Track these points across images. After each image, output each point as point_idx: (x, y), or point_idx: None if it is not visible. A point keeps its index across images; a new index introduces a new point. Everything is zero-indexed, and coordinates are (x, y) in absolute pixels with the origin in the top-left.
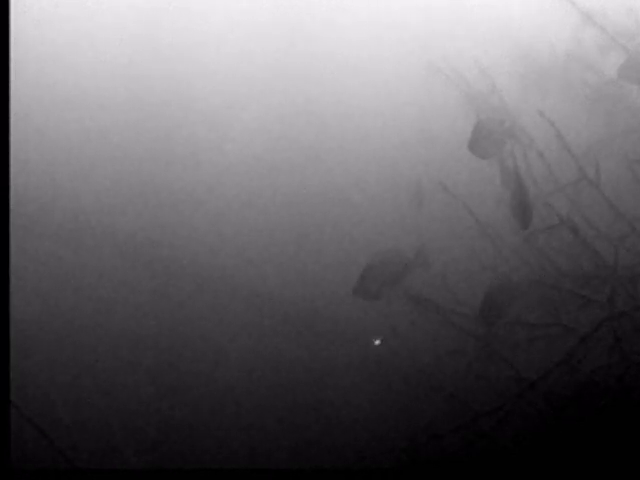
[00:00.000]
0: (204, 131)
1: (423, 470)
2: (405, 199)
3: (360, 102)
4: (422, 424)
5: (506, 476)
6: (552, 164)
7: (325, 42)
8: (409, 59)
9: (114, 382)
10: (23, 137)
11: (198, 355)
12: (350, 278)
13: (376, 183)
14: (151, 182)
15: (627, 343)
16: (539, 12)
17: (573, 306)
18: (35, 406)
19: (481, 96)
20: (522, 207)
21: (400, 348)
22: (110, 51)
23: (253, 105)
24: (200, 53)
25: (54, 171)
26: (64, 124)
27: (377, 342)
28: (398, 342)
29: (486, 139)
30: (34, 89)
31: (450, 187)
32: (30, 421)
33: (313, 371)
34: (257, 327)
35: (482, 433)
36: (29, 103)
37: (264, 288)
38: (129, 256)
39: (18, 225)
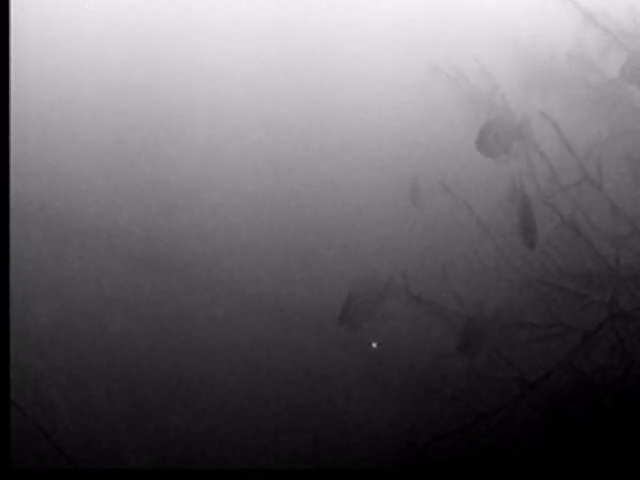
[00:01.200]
0: (204, 132)
1: (425, 471)
2: (407, 199)
3: (361, 102)
4: (423, 425)
5: (508, 476)
6: (554, 164)
7: (325, 42)
8: (410, 59)
9: (114, 382)
10: (23, 137)
11: (198, 356)
12: (350, 277)
13: (376, 183)
14: (151, 182)
15: (629, 343)
16: (540, 12)
17: (575, 306)
18: (35, 406)
19: (482, 96)
20: (528, 226)
21: (400, 348)
22: (110, 51)
23: (253, 106)
24: (200, 53)
25: (54, 171)
26: (64, 124)
27: (374, 345)
28: (398, 342)
29: (494, 138)
30: (34, 89)
31: (451, 187)
32: (31, 421)
33: (314, 372)
34: (257, 328)
35: (484, 433)
36: (29, 103)
37: (265, 289)
38: (129, 256)
39: (18, 225)
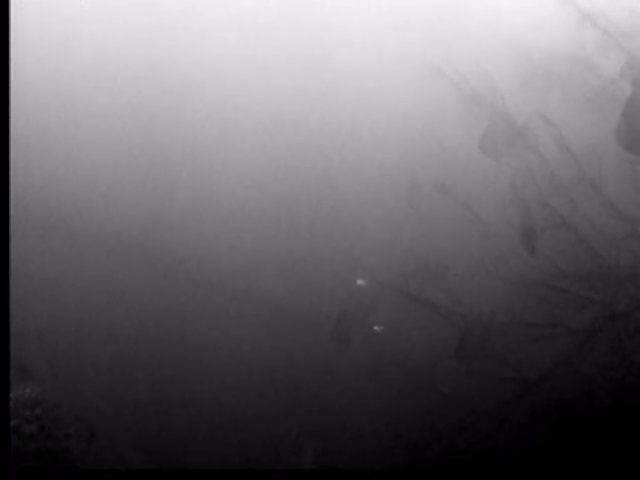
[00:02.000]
0: (202, 134)
1: (425, 471)
2: (407, 201)
3: (362, 104)
4: (423, 425)
5: (509, 476)
6: (553, 165)
7: (327, 44)
8: (411, 61)
9: (114, 382)
10: (23, 137)
11: (198, 357)
12: (350, 278)
13: (376, 184)
14: (150, 184)
15: (628, 343)
16: (540, 14)
17: (574, 307)
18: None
19: (483, 98)
20: (528, 234)
21: (400, 348)
22: (110, 52)
23: (252, 110)
24: (201, 54)
25: (54, 172)
26: (64, 125)
27: (377, 328)
28: (398, 342)
29: (495, 140)
30: (34, 89)
31: (452, 188)
32: (32, 420)
33: (313, 372)
34: (257, 329)
35: (484, 434)
36: (29, 103)
37: (264, 290)
38: (129, 257)
39: (18, 225)
